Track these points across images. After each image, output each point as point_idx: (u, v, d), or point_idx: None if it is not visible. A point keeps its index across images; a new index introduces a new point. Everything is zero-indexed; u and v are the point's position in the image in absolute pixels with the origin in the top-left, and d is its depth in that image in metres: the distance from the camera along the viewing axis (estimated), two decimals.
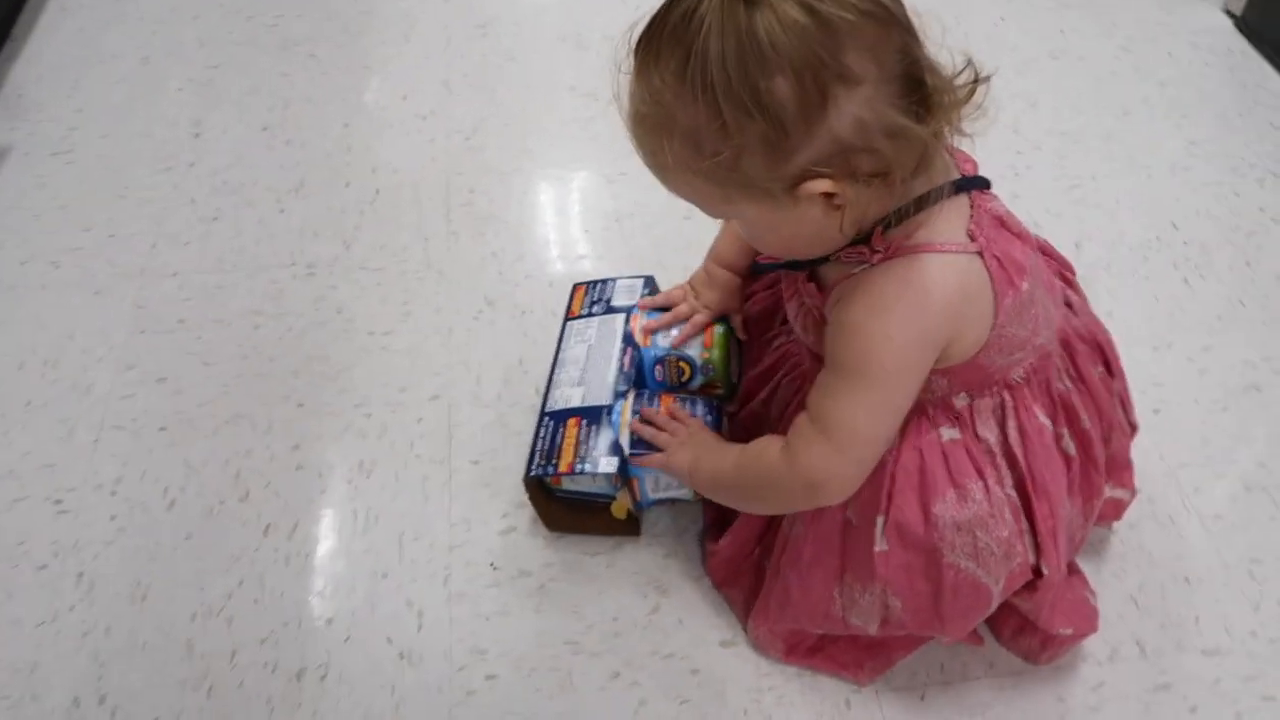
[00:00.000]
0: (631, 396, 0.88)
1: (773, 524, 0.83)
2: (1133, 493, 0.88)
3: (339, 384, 1.05)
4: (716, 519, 0.91)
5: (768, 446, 0.73)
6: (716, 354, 0.89)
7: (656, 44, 0.59)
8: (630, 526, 0.91)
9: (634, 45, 0.61)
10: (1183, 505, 0.96)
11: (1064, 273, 0.82)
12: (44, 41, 1.49)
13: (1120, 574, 0.91)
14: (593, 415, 0.86)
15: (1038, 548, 0.74)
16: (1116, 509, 0.89)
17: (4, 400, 1.03)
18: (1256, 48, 1.51)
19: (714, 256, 0.90)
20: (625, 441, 0.84)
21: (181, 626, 0.87)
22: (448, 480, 0.97)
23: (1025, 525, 0.73)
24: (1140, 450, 0.88)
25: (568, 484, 0.88)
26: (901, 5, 0.60)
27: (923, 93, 0.59)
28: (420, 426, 1.01)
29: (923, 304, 0.64)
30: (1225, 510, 0.95)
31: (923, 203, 0.64)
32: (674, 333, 0.90)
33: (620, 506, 0.88)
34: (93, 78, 1.43)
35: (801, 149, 0.58)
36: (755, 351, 0.90)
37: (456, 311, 1.12)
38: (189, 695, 0.83)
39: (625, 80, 0.62)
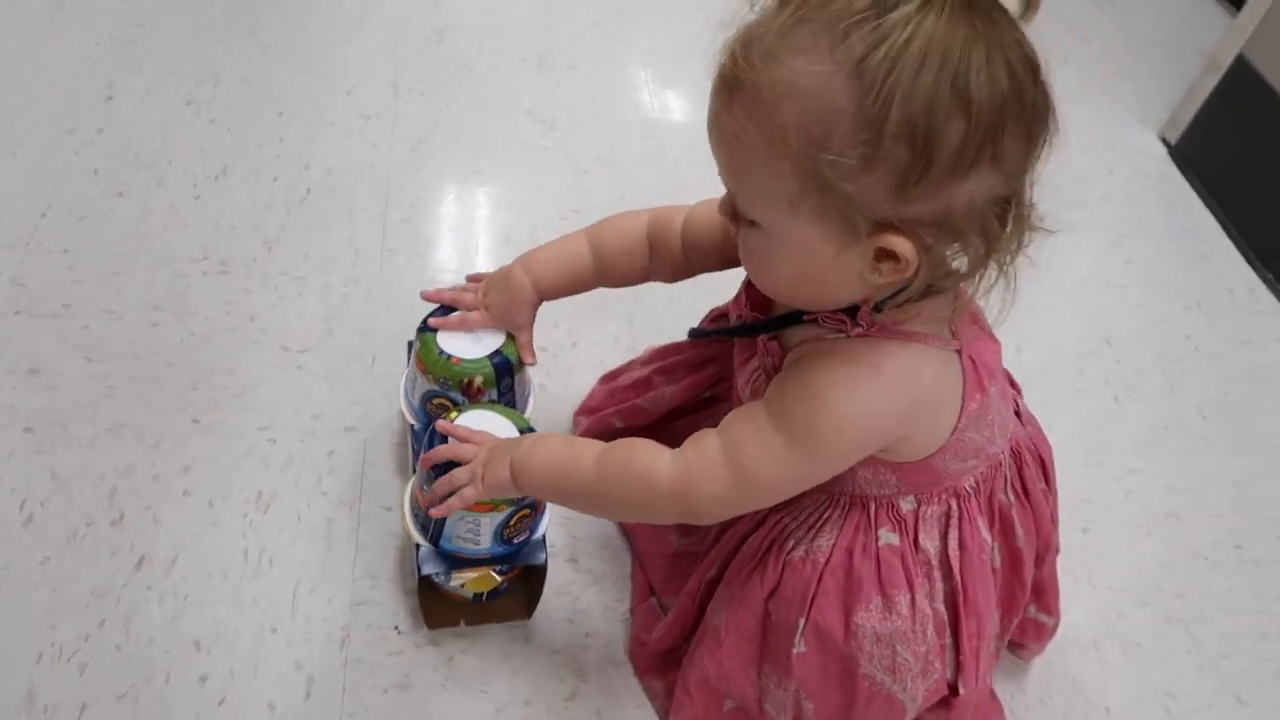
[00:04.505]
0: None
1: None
2: (1056, 620, 0.87)
3: (244, 401, 0.94)
4: (645, 598, 0.85)
5: (656, 456, 0.66)
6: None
7: (839, 6, 0.50)
8: (495, 612, 0.83)
9: None
10: (1106, 630, 0.95)
11: (1013, 379, 0.80)
12: None
13: (1045, 699, 0.89)
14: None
15: (958, 665, 0.72)
16: (1039, 633, 0.87)
17: None
18: (1186, 177, 1.57)
19: (528, 266, 0.78)
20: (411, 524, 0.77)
21: (22, 670, 0.75)
22: (356, 527, 0.88)
23: (949, 640, 0.71)
24: (1069, 568, 0.87)
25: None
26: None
27: (1017, 208, 0.56)
28: (331, 461, 0.92)
29: (888, 396, 0.61)
30: (1146, 639, 0.95)
31: (929, 292, 0.60)
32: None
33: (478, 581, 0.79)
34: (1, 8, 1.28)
35: (922, 200, 0.52)
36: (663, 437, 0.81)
37: (384, 338, 1.03)
38: None
39: (749, 14, 0.54)
